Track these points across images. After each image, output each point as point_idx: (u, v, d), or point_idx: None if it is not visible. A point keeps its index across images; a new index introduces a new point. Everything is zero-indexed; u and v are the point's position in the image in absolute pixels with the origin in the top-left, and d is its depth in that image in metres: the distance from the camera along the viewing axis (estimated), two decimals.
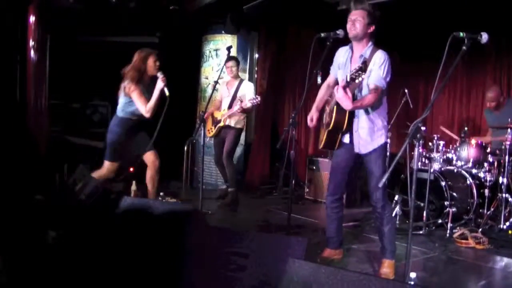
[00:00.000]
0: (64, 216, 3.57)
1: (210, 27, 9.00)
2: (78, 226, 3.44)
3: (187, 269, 3.15)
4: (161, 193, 6.74)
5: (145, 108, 5.67)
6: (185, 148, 7.39)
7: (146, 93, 5.75)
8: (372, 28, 4.37)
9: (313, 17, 7.96)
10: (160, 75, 5.67)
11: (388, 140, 4.78)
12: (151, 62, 5.84)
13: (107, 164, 5.93)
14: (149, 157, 6.03)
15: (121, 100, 5.89)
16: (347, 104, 4.14)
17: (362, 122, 4.44)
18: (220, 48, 8.75)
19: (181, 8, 7.96)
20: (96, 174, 5.84)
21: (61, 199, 4.67)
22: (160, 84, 5.63)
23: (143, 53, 5.86)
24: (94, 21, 8.24)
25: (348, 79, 4.10)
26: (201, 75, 9.09)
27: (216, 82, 6.72)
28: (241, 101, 7.04)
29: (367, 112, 4.41)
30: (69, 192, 5.09)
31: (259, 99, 6.93)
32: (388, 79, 4.32)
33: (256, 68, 9.29)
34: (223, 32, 8.83)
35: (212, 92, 6.62)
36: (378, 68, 4.27)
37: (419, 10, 7.34)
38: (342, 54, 4.63)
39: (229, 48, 6.70)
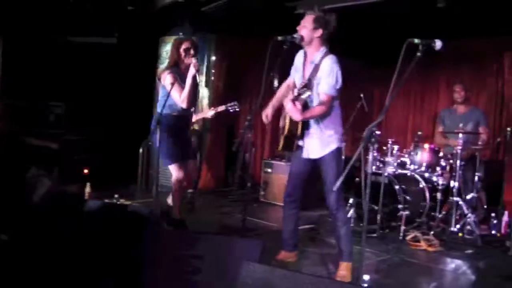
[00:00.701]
0: (17, 219, 3.50)
1: (167, 29, 8.94)
2: (31, 229, 3.38)
3: (143, 271, 3.13)
4: (116, 195, 6.67)
5: (179, 97, 5.26)
6: (141, 150, 7.32)
7: (183, 83, 5.31)
8: (319, 33, 4.43)
9: (271, 20, 7.99)
10: (193, 60, 5.26)
11: (343, 144, 4.83)
12: (182, 50, 5.44)
13: (171, 168, 5.57)
14: (189, 166, 5.72)
15: (160, 94, 5.64)
16: (296, 116, 4.31)
17: (312, 129, 4.52)
18: None
19: (139, 9, 7.89)
20: (173, 184, 5.59)
21: (13, 200, 4.57)
22: (192, 71, 5.23)
23: (176, 41, 5.55)
24: (51, 21, 8.11)
25: (296, 94, 4.29)
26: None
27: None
28: (213, 106, 7.13)
29: (317, 121, 4.48)
30: (22, 194, 4.98)
31: (237, 105, 7.00)
32: (338, 86, 4.38)
33: (213, 71, 9.27)
34: (180, 34, 8.77)
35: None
36: (327, 76, 4.34)
37: (376, 16, 7.45)
38: (298, 58, 4.70)
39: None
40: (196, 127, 7.23)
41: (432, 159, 6.83)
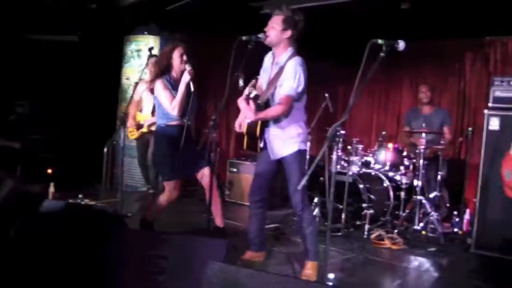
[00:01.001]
0: None
1: (132, 28, 8.87)
2: None
3: (107, 272, 3.10)
4: (80, 195, 6.60)
5: (169, 104, 4.96)
6: (105, 150, 7.24)
7: (174, 91, 5.04)
8: (288, 33, 4.43)
9: (236, 19, 8.00)
10: (188, 67, 5.00)
11: (307, 145, 4.85)
12: (176, 56, 5.16)
13: (166, 185, 5.23)
14: (204, 177, 5.32)
15: (156, 106, 5.31)
16: (249, 115, 4.33)
17: (272, 130, 4.53)
18: (142, 49, 8.61)
19: (102, 7, 7.80)
20: (161, 199, 5.27)
21: None
22: (186, 77, 4.96)
23: (169, 47, 5.23)
24: (11, 18, 7.97)
25: (247, 93, 4.35)
26: (122, 75, 8.94)
27: (137, 84, 6.62)
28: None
29: (277, 121, 4.49)
30: None
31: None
32: (300, 89, 4.37)
33: None
34: (145, 33, 8.73)
35: (133, 93, 6.53)
36: (289, 78, 4.34)
37: (341, 16, 7.52)
38: (267, 59, 4.71)
39: (150, 49, 6.64)
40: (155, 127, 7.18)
41: (396, 159, 6.93)
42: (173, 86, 5.05)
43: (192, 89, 5.00)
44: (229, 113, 9.56)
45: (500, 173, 4.65)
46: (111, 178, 8.37)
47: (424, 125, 6.67)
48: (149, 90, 5.15)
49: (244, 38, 4.40)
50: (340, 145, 6.75)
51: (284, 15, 4.41)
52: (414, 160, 6.74)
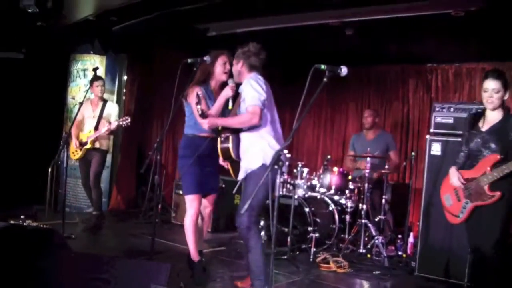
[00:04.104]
0: None
1: (78, 46, 8.80)
2: None
3: None
4: (22, 216, 6.44)
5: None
6: (49, 169, 7.11)
7: (210, 102, 4.83)
8: (240, 64, 4.54)
9: (183, 41, 8.04)
10: (230, 82, 4.71)
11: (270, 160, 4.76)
12: (219, 64, 4.93)
13: (186, 200, 4.93)
14: (208, 200, 5.16)
15: (186, 113, 5.04)
16: (204, 125, 4.46)
17: (243, 148, 4.50)
18: (88, 68, 8.57)
19: (48, 24, 7.71)
20: (186, 220, 4.91)
21: None
22: (227, 92, 4.69)
23: (213, 53, 4.88)
24: None
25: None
26: (68, 95, 8.84)
27: (81, 104, 6.56)
28: (109, 123, 6.92)
29: (243, 134, 4.47)
30: None
31: (129, 120, 6.80)
32: (262, 98, 4.31)
33: (124, 90, 9.17)
34: (91, 52, 8.68)
35: (77, 113, 6.47)
36: (247, 91, 4.33)
37: (288, 41, 7.65)
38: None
39: (95, 69, 6.64)
40: (98, 145, 7.11)
41: (341, 182, 7.05)
42: (210, 96, 4.91)
43: (230, 105, 4.78)
44: (175, 134, 9.54)
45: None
46: (55, 199, 8.21)
47: (369, 149, 6.81)
48: (184, 96, 4.87)
49: (189, 60, 4.44)
50: (285, 169, 6.82)
51: (234, 53, 4.59)
52: (359, 184, 6.87)
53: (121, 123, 6.77)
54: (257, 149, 4.39)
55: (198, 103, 4.27)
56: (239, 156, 4.51)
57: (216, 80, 4.98)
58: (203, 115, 4.29)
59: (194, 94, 4.67)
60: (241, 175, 4.50)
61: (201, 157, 4.82)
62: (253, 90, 4.31)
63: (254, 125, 4.34)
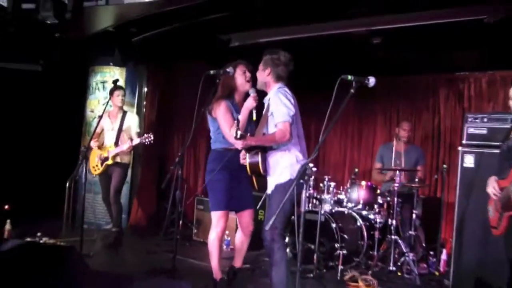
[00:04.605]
0: None
1: (97, 58, 8.88)
2: None
3: None
4: (39, 233, 6.48)
5: (228, 130, 4.72)
6: (67, 185, 7.16)
7: (236, 115, 4.74)
8: (268, 71, 4.52)
9: (204, 52, 8.04)
10: (252, 93, 4.75)
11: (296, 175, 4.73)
12: (239, 75, 4.98)
13: (212, 216, 4.98)
14: (245, 218, 5.19)
15: (211, 128, 5.10)
16: (237, 145, 4.37)
17: (270, 160, 4.49)
18: (107, 80, 8.64)
19: (67, 36, 7.79)
20: (209, 238, 4.99)
21: None
22: (249, 103, 4.72)
23: (229, 66, 4.88)
24: None
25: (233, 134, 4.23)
26: (87, 108, 8.90)
27: (101, 117, 6.60)
28: (131, 139, 6.94)
29: (271, 149, 4.46)
30: None
31: (152, 137, 6.73)
32: (292, 113, 4.33)
33: (144, 103, 9.21)
34: (111, 64, 8.74)
35: (96, 126, 6.49)
36: (276, 106, 4.35)
37: (314, 51, 7.63)
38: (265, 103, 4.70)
39: (115, 82, 6.68)
40: (119, 159, 7.14)
41: (370, 197, 6.97)
42: (236, 110, 4.92)
43: (254, 117, 4.78)
44: (197, 148, 9.55)
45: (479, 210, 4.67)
46: (73, 215, 8.26)
47: (398, 162, 6.73)
48: (209, 110, 4.92)
49: (212, 72, 4.44)
50: (311, 183, 6.78)
51: (263, 58, 4.56)
52: (389, 198, 6.79)
53: (143, 141, 6.75)
54: (286, 164, 4.41)
55: (237, 127, 4.22)
56: (267, 171, 4.50)
57: (239, 93, 5.03)
58: (242, 137, 4.27)
59: (220, 109, 4.77)
60: (269, 190, 4.51)
61: (232, 170, 4.85)
62: (282, 105, 4.33)
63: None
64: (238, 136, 4.15)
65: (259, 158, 4.46)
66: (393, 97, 8.94)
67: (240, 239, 5.28)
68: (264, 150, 4.46)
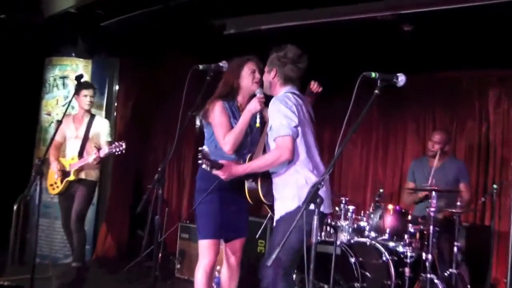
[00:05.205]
0: None
1: (56, 47, 8.88)
2: None
3: None
4: None
5: (223, 136, 4.74)
6: (15, 207, 7.15)
7: (234, 119, 4.84)
8: (273, 73, 4.55)
9: (193, 41, 8.04)
10: (259, 93, 4.75)
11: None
12: (246, 74, 4.93)
13: (200, 246, 4.96)
14: (233, 245, 5.15)
15: (205, 135, 5.07)
16: (223, 176, 4.41)
17: (273, 184, 4.52)
18: (68, 75, 8.65)
19: (16, 18, 7.79)
20: (196, 270, 4.92)
21: None
22: (253, 106, 4.71)
23: (236, 63, 4.91)
24: None
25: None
26: (42, 110, 8.92)
27: (60, 122, 6.54)
28: (98, 149, 6.88)
29: (274, 172, 4.48)
30: None
31: (124, 146, 6.69)
32: (294, 123, 4.30)
33: (115, 104, 9.18)
34: (73, 54, 8.75)
35: (54, 134, 6.48)
36: (274, 117, 4.34)
37: (330, 41, 7.64)
38: None
39: (79, 78, 6.61)
40: (84, 175, 7.12)
41: (398, 224, 6.96)
42: (234, 113, 4.92)
43: (258, 123, 4.77)
44: (182, 161, 9.55)
45: None
46: (22, 246, 8.25)
47: (434, 180, 6.73)
48: (202, 114, 4.92)
49: (201, 67, 4.45)
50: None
51: (269, 57, 4.59)
52: (422, 227, 6.79)
53: (113, 150, 6.71)
54: (292, 187, 4.39)
55: (202, 160, 4.24)
56: (270, 196, 4.54)
57: (244, 95, 5.01)
58: (217, 167, 4.28)
59: (214, 110, 4.78)
60: (276, 217, 4.49)
61: (225, 190, 4.81)
62: (281, 116, 4.32)
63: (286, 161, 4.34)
64: (208, 169, 4.18)
65: (258, 184, 4.49)
66: (428, 100, 8.95)
67: (226, 275, 5.23)
68: (265, 172, 4.48)
